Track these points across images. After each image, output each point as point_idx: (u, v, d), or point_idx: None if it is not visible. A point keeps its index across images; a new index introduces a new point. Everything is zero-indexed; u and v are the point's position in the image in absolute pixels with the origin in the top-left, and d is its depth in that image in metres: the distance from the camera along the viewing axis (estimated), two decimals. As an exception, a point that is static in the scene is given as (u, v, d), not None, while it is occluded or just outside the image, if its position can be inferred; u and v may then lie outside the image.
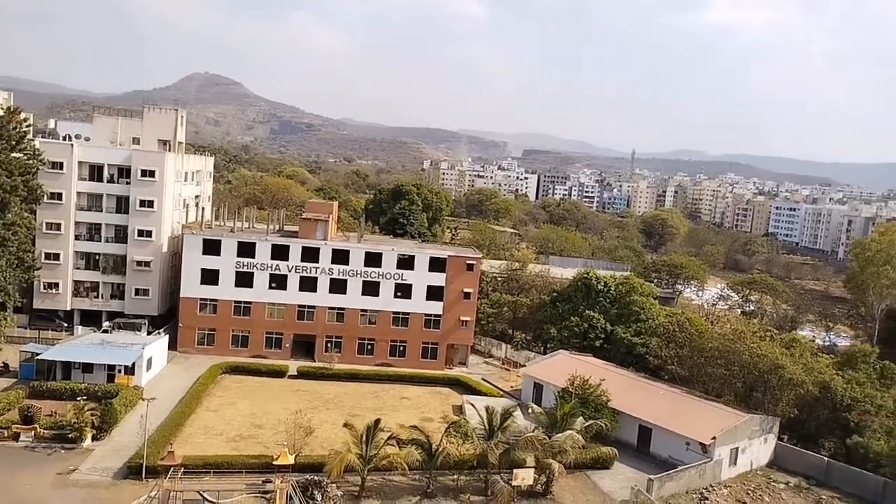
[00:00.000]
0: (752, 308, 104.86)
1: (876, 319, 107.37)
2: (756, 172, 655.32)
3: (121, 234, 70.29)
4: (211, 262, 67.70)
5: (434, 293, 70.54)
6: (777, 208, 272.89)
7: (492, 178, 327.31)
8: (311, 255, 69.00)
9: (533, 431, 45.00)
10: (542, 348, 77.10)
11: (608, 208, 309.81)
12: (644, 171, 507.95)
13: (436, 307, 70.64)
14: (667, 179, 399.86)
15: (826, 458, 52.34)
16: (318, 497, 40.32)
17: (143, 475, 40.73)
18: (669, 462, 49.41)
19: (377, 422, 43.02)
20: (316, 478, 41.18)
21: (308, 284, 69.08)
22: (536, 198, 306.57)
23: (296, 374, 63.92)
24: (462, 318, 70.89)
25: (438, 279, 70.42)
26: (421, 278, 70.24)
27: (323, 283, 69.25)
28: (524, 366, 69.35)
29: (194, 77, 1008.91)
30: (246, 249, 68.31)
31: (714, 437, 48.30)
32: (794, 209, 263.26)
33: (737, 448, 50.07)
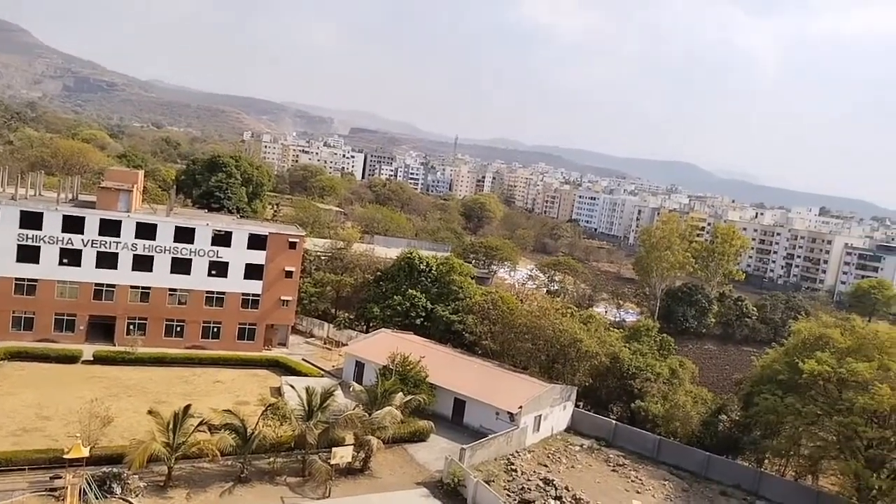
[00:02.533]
0: (556, 287, 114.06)
1: (657, 298, 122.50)
2: (564, 164, 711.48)
3: None
4: (-15, 233, 58.73)
5: (253, 272, 67.56)
6: (580, 197, 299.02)
7: (317, 154, 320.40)
8: (111, 228, 62.57)
9: (353, 410, 45.24)
10: (364, 327, 77.55)
11: (432, 191, 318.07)
12: (465, 157, 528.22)
13: (254, 286, 67.78)
14: (486, 166, 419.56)
15: (614, 421, 58.93)
16: (118, 490, 37.24)
17: None
18: (481, 431, 52.46)
19: (187, 408, 40.54)
20: (115, 470, 37.89)
21: (107, 261, 62.64)
22: (363, 177, 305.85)
23: (91, 359, 57.86)
24: (283, 298, 68.86)
25: (258, 257, 67.57)
26: (239, 256, 66.88)
27: (125, 260, 63.20)
28: (346, 345, 69.29)
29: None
30: (31, 220, 60.11)
31: (521, 407, 52.08)
32: (594, 198, 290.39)
33: (540, 415, 54.50)
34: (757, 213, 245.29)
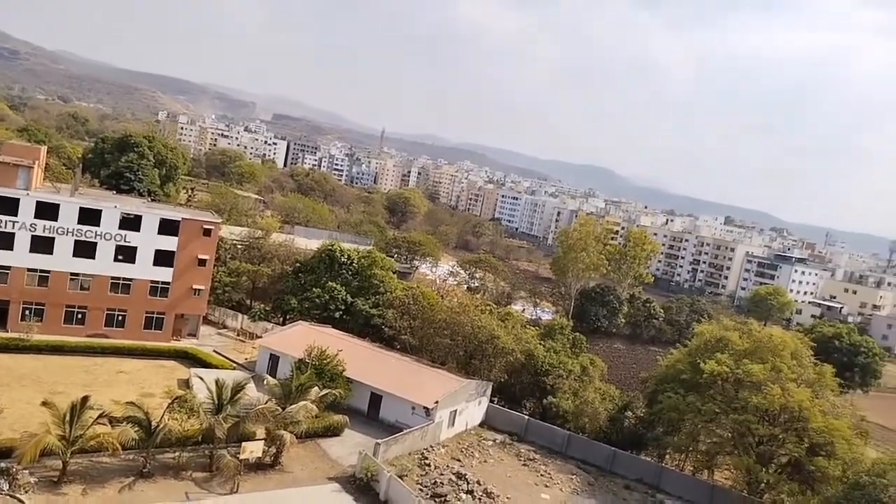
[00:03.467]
0: (476, 284, 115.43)
1: (572, 297, 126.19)
2: (489, 162, 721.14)
3: None
4: None
5: (163, 258, 64.59)
6: (503, 197, 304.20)
7: (237, 139, 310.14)
8: (7, 206, 58.19)
9: (266, 403, 44.20)
10: (281, 319, 75.75)
11: (356, 182, 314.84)
12: (392, 150, 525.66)
13: (164, 273, 64.84)
14: (412, 160, 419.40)
15: (526, 417, 60.35)
16: (5, 486, 34.82)
17: None
18: (396, 426, 52.43)
19: (85, 398, 38.30)
20: (3, 465, 35.40)
21: (1, 241, 58.31)
22: (285, 165, 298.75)
23: (-20, 346, 53.80)
24: (195, 287, 66.24)
25: (169, 243, 64.63)
26: (148, 241, 63.73)
27: (22, 241, 58.99)
28: (261, 337, 67.50)
29: None
30: (-87, 193, 55.17)
31: (437, 402, 52.42)
32: (517, 198, 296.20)
33: (455, 410, 55.07)
34: (667, 220, 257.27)
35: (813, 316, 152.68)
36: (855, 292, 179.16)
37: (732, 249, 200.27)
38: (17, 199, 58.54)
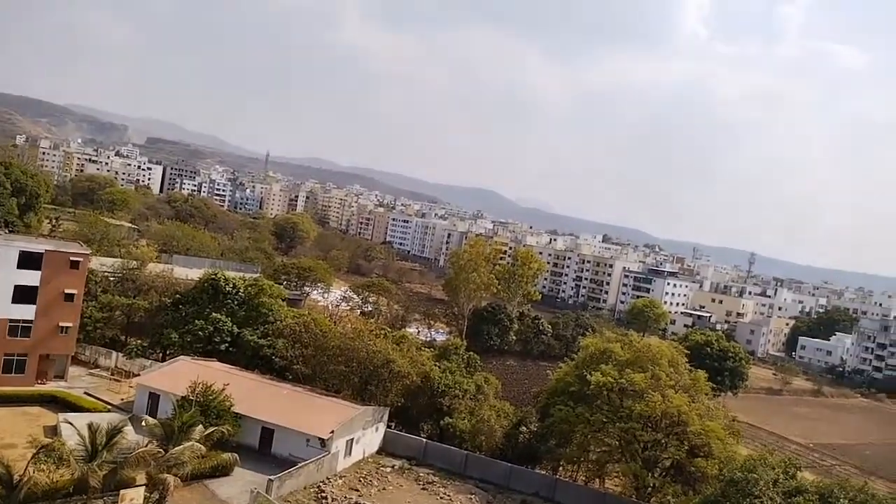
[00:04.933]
0: (370, 308, 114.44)
1: (465, 317, 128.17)
2: (378, 186, 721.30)
3: None
4: None
5: (24, 294, 58.73)
6: (394, 220, 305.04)
7: (107, 164, 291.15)
8: None
9: (147, 446, 41.05)
10: (160, 355, 71.06)
11: (240, 208, 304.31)
12: (278, 175, 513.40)
13: (26, 311, 58.96)
14: (299, 185, 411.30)
15: (424, 440, 60.08)
16: None
17: None
18: (290, 460, 50.40)
19: (-69, 457, 33.94)
20: None
21: None
22: (161, 191, 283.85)
23: None
24: (62, 324, 60.74)
25: (31, 278, 58.97)
26: (6, 276, 57.80)
27: None
28: (138, 375, 62.93)
29: None
30: None
31: (332, 432, 51.03)
32: (408, 221, 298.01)
33: (352, 439, 53.86)
34: (551, 239, 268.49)
35: (685, 325, 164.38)
36: (721, 302, 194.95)
37: (611, 266, 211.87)
38: None
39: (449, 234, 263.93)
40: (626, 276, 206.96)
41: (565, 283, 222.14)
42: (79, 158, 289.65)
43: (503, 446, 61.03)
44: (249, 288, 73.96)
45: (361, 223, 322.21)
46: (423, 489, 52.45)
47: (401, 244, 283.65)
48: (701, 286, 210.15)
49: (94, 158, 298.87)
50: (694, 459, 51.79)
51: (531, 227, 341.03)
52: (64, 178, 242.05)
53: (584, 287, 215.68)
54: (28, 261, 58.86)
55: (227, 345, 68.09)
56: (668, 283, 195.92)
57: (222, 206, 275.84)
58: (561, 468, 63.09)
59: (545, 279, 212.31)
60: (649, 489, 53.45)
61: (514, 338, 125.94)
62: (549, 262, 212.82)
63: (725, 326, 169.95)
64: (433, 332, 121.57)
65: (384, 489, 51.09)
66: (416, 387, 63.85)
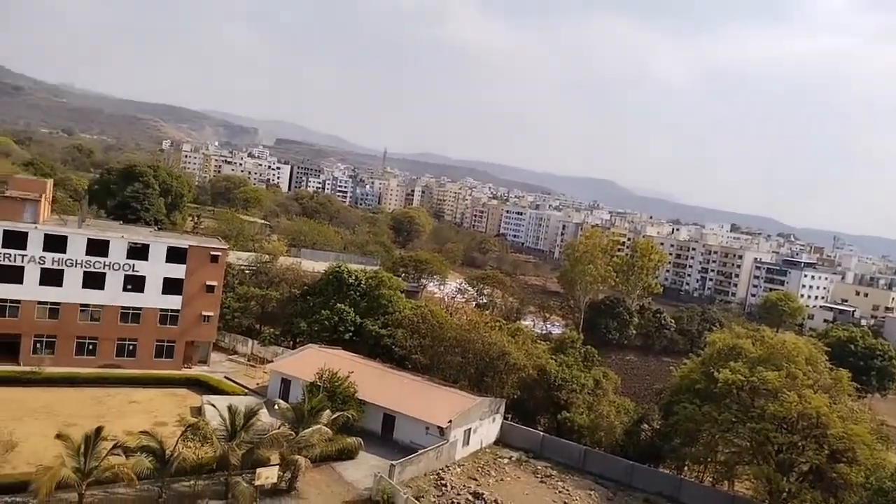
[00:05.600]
0: (485, 301, 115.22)
1: (582, 310, 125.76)
2: (491, 179, 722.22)
3: None
4: None
5: (172, 286, 64.71)
6: (507, 212, 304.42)
7: (241, 165, 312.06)
8: (15, 240, 58.56)
9: (279, 428, 43.93)
10: (291, 343, 75.63)
11: (360, 204, 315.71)
12: (394, 170, 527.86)
13: (174, 301, 64.94)
14: (415, 179, 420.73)
15: (541, 433, 59.78)
16: (20, 523, 34.60)
17: None
18: (411, 447, 51.96)
19: (99, 430, 38.12)
20: (19, 499, 35.25)
21: (11, 275, 58.52)
22: (289, 189, 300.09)
23: (-8, 380, 53.87)
24: (204, 314, 66.28)
25: (178, 271, 64.81)
26: (157, 270, 63.95)
27: (31, 274, 59.26)
28: (272, 362, 67.33)
29: None
30: (-77, 231, 55.59)
31: (450, 421, 52.03)
32: (521, 213, 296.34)
33: (469, 429, 54.61)
34: (673, 229, 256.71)
35: (825, 320, 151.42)
36: (867, 295, 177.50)
37: (740, 257, 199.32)
38: (26, 233, 58.91)
39: (564, 226, 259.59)
40: (758, 268, 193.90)
41: (689, 275, 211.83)
42: (216, 160, 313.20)
43: (623, 443, 59.47)
44: (370, 280, 76.81)
45: (475, 216, 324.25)
46: (541, 482, 52.23)
47: (515, 236, 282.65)
48: (843, 278, 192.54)
49: (229, 160, 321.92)
50: (836, 465, 47.79)
51: (651, 217, 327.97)
52: (204, 179, 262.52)
53: (711, 279, 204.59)
54: (175, 255, 64.66)
55: (350, 334, 71.24)
56: (806, 275, 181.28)
57: (344, 201, 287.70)
58: (686, 468, 60.49)
59: (667, 271, 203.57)
60: (784, 494, 49.94)
61: (634, 332, 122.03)
62: (671, 254, 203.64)
63: (872, 322, 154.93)
64: (549, 325, 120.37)
65: (502, 480, 51.40)
66: (533, 380, 63.60)
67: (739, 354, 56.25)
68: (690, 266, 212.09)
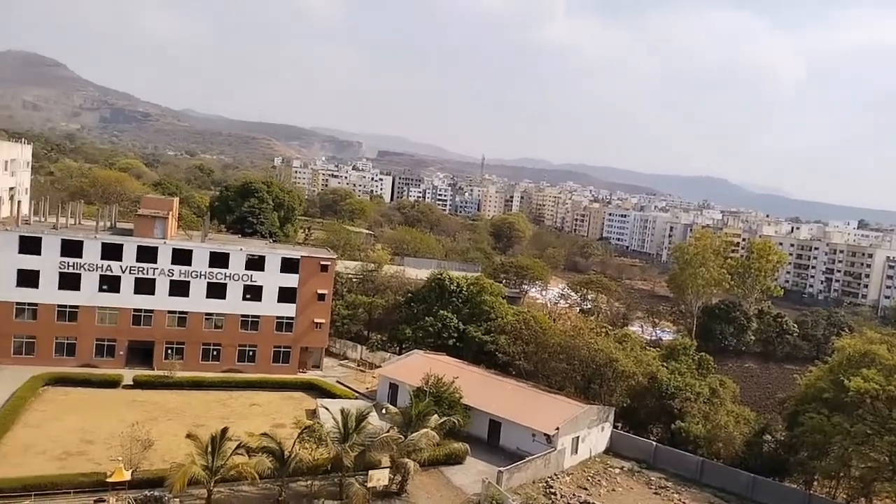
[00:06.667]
0: (589, 306, 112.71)
1: (694, 315, 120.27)
2: (592, 181, 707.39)
3: (-87, 229, 60.59)
4: (29, 261, 60.38)
5: (286, 295, 68.19)
6: (610, 215, 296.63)
7: (346, 178, 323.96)
8: (148, 254, 63.87)
9: (388, 432, 44.99)
10: (397, 349, 77.43)
11: (460, 211, 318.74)
12: (493, 177, 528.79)
13: (288, 309, 68.36)
14: (514, 185, 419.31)
15: (654, 443, 57.55)
16: (158, 515, 37.44)
17: (-58, 506, 35.41)
18: (518, 454, 51.65)
19: (224, 430, 40.68)
20: (156, 493, 38.20)
21: (145, 286, 63.86)
22: (391, 199, 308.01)
23: (132, 383, 58.82)
24: (316, 321, 69.24)
25: (291, 280, 68.21)
26: (272, 280, 67.62)
27: (162, 285, 64.36)
28: (380, 367, 69.22)
29: (8, 55, 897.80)
30: (71, 248, 61.70)
31: (557, 428, 51.23)
32: (625, 216, 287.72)
33: (578, 437, 53.51)
34: (793, 228, 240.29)
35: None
36: None
37: (871, 255, 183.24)
38: (156, 248, 64.08)
39: (671, 227, 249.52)
40: (892, 267, 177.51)
41: (812, 276, 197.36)
42: (323, 174, 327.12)
43: (744, 455, 56.14)
44: (472, 286, 77.27)
45: (576, 220, 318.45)
46: (655, 493, 50.26)
47: (619, 240, 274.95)
48: None
49: (335, 173, 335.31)
50: None
51: (767, 216, 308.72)
52: (313, 192, 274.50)
53: (837, 280, 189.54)
54: (288, 266, 68.07)
55: (454, 340, 71.91)
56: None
57: (444, 210, 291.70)
58: (816, 483, 56.14)
59: (787, 273, 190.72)
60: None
61: (752, 338, 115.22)
62: (790, 254, 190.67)
63: None
64: (658, 331, 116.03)
65: (613, 490, 49.93)
66: (643, 387, 61.50)
67: (873, 361, 51.76)
68: (813, 267, 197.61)
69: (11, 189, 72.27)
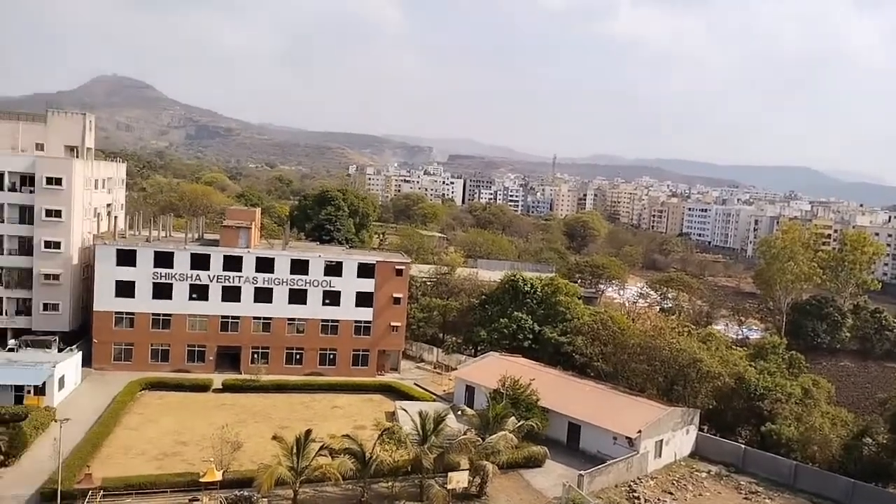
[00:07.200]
0: (669, 305, 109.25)
1: (783, 312, 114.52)
2: (668, 175, 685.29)
3: (26, 246, 65.72)
4: (126, 273, 64.42)
5: (363, 299, 69.74)
6: (690, 209, 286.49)
7: (418, 182, 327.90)
8: (233, 263, 66.81)
9: (466, 434, 45.15)
10: (472, 351, 77.64)
11: (532, 211, 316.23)
12: (565, 176, 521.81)
13: (365, 313, 69.87)
14: (586, 183, 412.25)
15: (743, 446, 55.14)
16: (248, 513, 39.00)
17: (59, 501, 38.15)
18: (598, 457, 50.68)
19: (308, 432, 42.01)
20: (245, 493, 39.84)
21: (231, 294, 66.82)
22: (463, 202, 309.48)
23: (221, 387, 61.65)
24: (392, 324, 70.44)
25: (367, 285, 69.69)
26: (349, 285, 69.31)
27: (247, 293, 67.16)
28: (456, 369, 69.59)
29: (102, 79, 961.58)
30: (163, 259, 65.40)
31: (640, 431, 49.93)
32: (706, 210, 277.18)
33: (661, 440, 51.96)
34: (890, 217, 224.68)
35: None
36: None
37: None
38: (241, 257, 66.93)
39: (756, 221, 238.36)
40: None
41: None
42: (396, 180, 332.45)
43: (841, 459, 52.93)
44: (546, 287, 76.51)
45: (654, 216, 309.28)
46: (746, 499, 48.16)
47: (699, 235, 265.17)
48: None
49: (407, 179, 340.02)
50: None
51: (861, 205, 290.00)
52: (386, 198, 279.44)
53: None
54: (364, 271, 69.63)
55: (529, 341, 71.40)
56: None
57: (516, 210, 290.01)
58: (925, 491, 52.22)
59: (885, 265, 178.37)
60: None
61: (847, 335, 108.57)
62: (888, 245, 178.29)
63: None
64: (744, 329, 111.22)
65: (700, 495, 48.20)
66: (730, 389, 59.08)
67: None
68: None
69: (109, 205, 77.21)
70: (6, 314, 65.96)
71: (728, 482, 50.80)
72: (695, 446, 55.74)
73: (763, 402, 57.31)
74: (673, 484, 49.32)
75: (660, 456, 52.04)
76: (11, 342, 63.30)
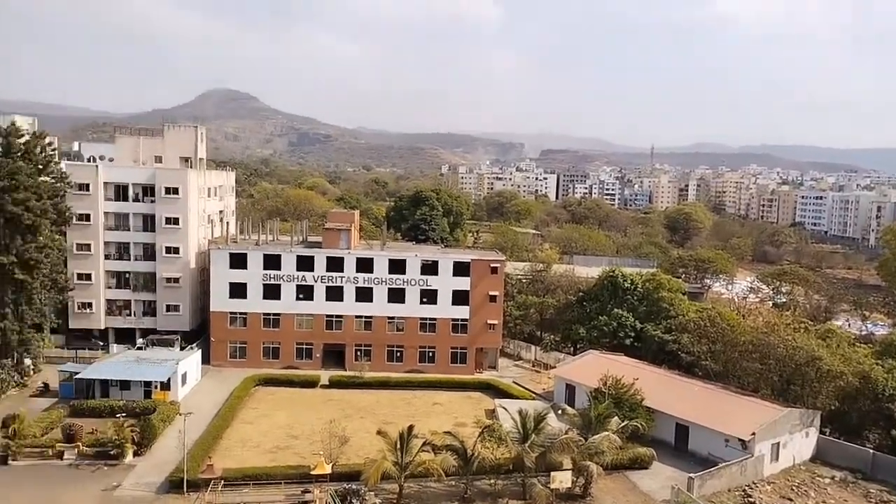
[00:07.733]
0: (783, 300, 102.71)
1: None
2: (778, 162, 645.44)
3: (149, 252, 71.26)
4: (238, 275, 68.37)
5: (460, 297, 70.36)
6: (803, 197, 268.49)
7: (510, 179, 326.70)
8: (335, 264, 69.31)
9: (567, 433, 44.57)
10: (571, 349, 76.45)
11: (630, 205, 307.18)
12: (664, 166, 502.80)
13: (462, 311, 70.45)
14: (688, 173, 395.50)
15: (872, 451, 51.06)
16: (356, 506, 40.32)
17: (185, 489, 41.15)
18: (709, 460, 48.52)
19: (410, 428, 42.91)
20: (353, 486, 41.22)
21: (334, 294, 69.38)
22: (556, 198, 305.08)
23: (328, 383, 64.20)
24: (489, 322, 70.59)
25: (463, 283, 70.23)
26: (446, 283, 70.12)
27: (349, 292, 69.49)
28: (554, 367, 68.82)
29: (211, 94, 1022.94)
30: (272, 262, 68.88)
31: (754, 433, 47.40)
32: (821, 197, 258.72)
33: (778, 443, 49.05)
34: None
35: None
36: None
37: None
38: (343, 258, 69.31)
39: (879, 207, 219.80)
40: None
41: None
42: (488, 178, 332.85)
43: None
44: (647, 283, 74.10)
45: (763, 205, 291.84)
46: (876, 509, 44.58)
47: (815, 225, 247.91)
48: None
49: (499, 176, 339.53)
50: None
51: None
52: (479, 196, 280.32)
53: None
54: (460, 269, 70.25)
55: (631, 339, 69.47)
56: None
57: (613, 204, 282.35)
58: None
59: None
60: None
61: None
62: None
63: None
64: (870, 325, 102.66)
65: (823, 502, 45.09)
66: (854, 389, 54.81)
67: None
68: None
69: (221, 212, 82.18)
70: (134, 315, 71.75)
71: (855, 489, 47.20)
72: (815, 450, 52.19)
73: (893, 404, 52.77)
74: (792, 490, 46.43)
75: (777, 459, 49.13)
76: (140, 341, 68.89)
